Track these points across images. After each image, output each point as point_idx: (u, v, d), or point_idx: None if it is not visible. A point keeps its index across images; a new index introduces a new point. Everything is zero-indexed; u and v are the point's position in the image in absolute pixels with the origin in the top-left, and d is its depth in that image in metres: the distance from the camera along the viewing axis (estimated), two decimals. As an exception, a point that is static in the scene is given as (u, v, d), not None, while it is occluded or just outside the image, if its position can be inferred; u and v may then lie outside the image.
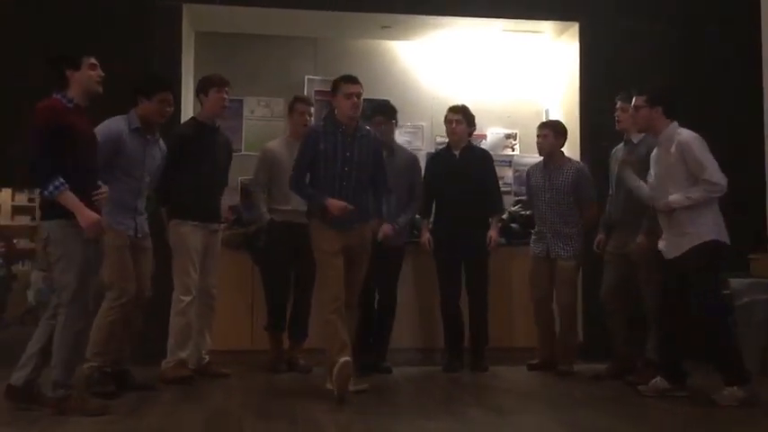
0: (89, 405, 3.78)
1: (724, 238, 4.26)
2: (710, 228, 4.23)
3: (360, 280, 4.50)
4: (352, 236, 4.39)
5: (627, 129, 4.95)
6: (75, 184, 3.68)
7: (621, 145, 5.04)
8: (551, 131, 5.27)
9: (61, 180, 3.63)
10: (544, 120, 5.85)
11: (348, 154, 4.39)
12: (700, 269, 4.19)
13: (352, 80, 4.45)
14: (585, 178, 5.25)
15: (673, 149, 4.27)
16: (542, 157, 5.34)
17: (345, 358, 4.08)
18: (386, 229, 4.92)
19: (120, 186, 4.25)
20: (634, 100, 4.53)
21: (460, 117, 5.33)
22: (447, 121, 5.39)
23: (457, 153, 5.38)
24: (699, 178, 4.20)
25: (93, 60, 3.88)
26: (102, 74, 3.91)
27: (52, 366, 3.73)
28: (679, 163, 4.26)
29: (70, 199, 3.65)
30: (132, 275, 4.30)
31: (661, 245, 4.40)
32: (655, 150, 4.48)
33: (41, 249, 3.84)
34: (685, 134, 4.30)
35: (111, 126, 4.27)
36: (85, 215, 3.67)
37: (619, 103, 4.99)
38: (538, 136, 5.33)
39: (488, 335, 5.31)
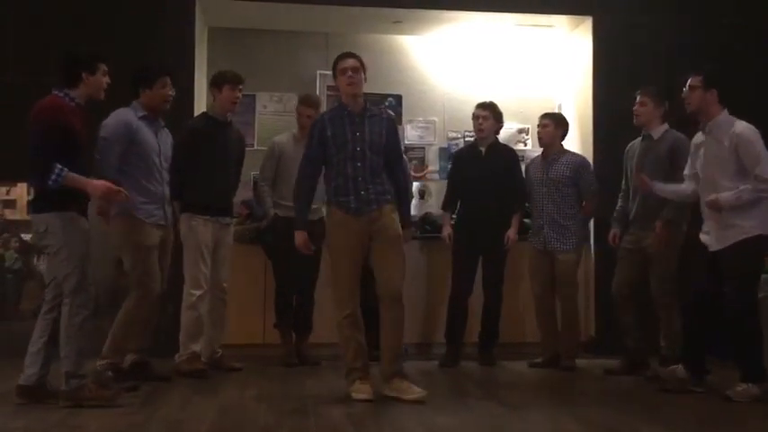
0: (104, 393, 3.79)
1: None
2: (758, 222, 4.07)
3: (398, 266, 4.09)
4: (373, 221, 4.07)
5: (645, 123, 4.85)
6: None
7: (639, 140, 4.94)
8: (552, 122, 5.26)
9: (59, 166, 3.61)
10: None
11: (358, 134, 4.10)
12: (742, 264, 4.08)
13: (343, 55, 4.24)
14: (586, 170, 5.23)
15: (726, 141, 4.08)
16: (541, 149, 5.34)
17: (365, 389, 3.98)
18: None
19: (142, 175, 4.30)
20: (690, 80, 4.24)
21: (488, 113, 5.28)
22: (474, 116, 5.32)
23: (483, 150, 5.32)
24: (750, 173, 4.02)
25: (105, 67, 3.91)
26: (109, 81, 3.94)
27: (61, 358, 3.72)
28: (731, 156, 4.07)
29: (75, 178, 3.65)
30: (158, 275, 4.35)
31: (704, 237, 4.26)
32: (698, 137, 4.28)
33: (37, 243, 3.80)
34: (743, 126, 4.11)
35: (120, 115, 4.32)
36: (94, 184, 3.70)
37: (638, 97, 4.85)
38: (538, 126, 5.33)
39: (499, 330, 5.31)
